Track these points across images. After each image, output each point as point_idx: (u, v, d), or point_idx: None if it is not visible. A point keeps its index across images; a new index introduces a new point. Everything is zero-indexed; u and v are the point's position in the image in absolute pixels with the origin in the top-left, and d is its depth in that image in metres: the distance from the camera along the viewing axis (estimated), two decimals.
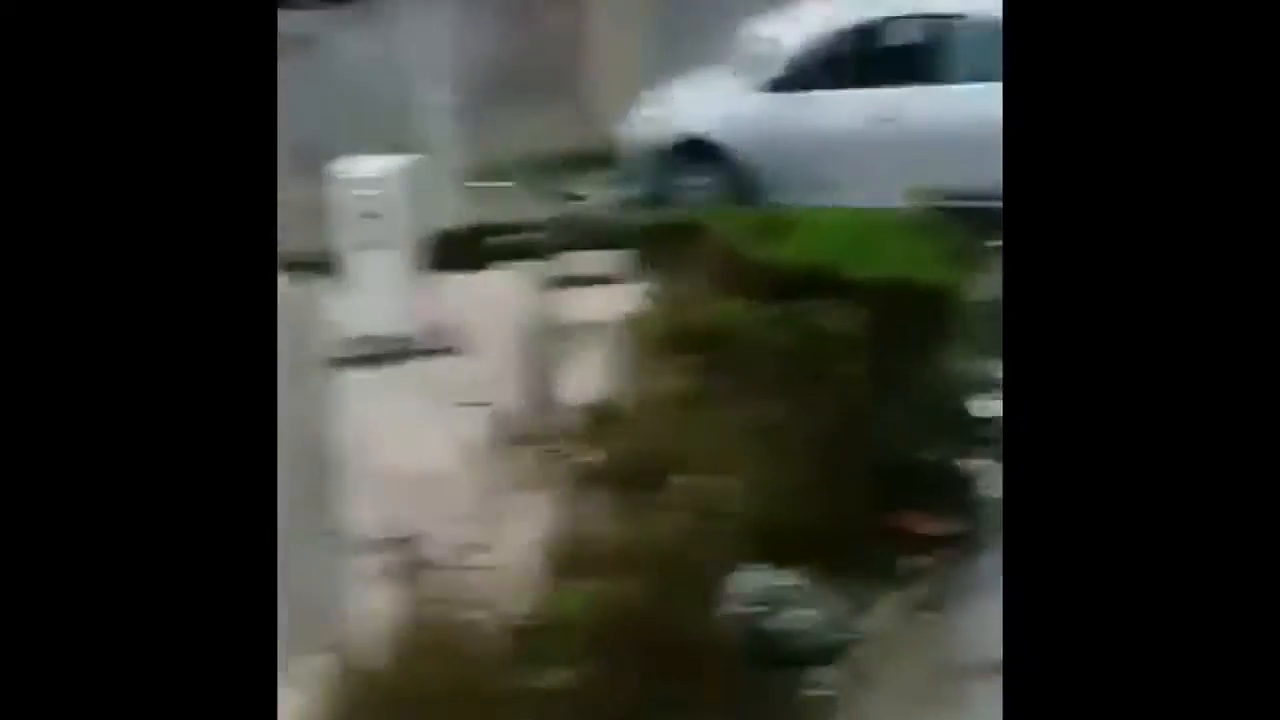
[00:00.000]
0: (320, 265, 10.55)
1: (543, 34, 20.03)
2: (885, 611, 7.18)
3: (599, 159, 13.10)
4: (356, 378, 9.43)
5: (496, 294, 10.61)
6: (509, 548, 6.56)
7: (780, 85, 12.21)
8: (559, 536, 6.71)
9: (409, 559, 6.34)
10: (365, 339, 9.81)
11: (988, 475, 7.99)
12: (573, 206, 9.65)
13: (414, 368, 9.13)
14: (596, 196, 11.58)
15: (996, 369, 8.43)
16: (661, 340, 7.81)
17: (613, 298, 9.03)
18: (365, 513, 6.66)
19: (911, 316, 8.14)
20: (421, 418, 8.07)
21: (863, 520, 7.42)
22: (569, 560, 6.43)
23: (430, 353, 9.72)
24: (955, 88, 11.72)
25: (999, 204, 11.28)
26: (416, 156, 10.43)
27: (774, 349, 7.69)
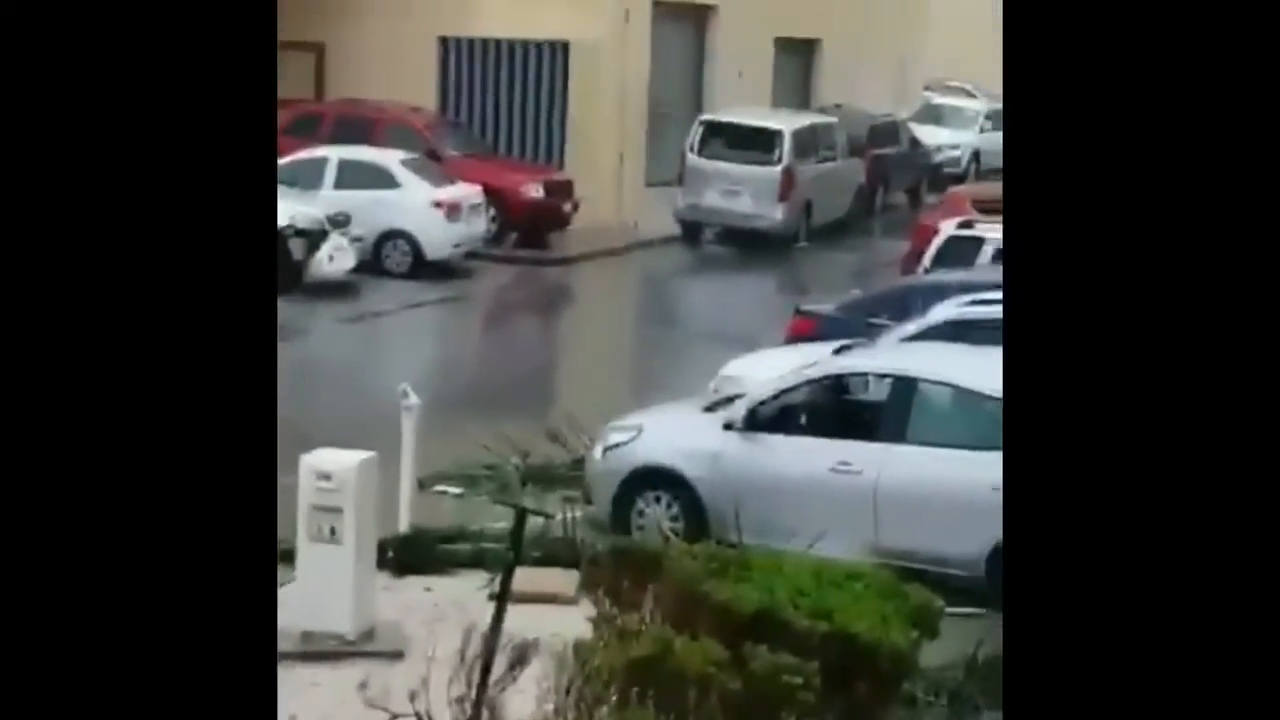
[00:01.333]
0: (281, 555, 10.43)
1: (520, 350, 20.36)
2: None
3: (561, 477, 13.16)
4: (294, 674, 9.27)
5: (445, 602, 10.52)
6: None
7: (746, 425, 12.33)
8: None
9: None
10: (307, 635, 9.67)
11: None
12: (530, 522, 9.62)
13: (354, 669, 8.97)
14: (555, 514, 11.56)
15: None
16: (607, 669, 7.70)
17: (562, 619, 8.96)
18: None
19: (861, 674, 8.08)
20: None
21: None
22: None
23: (372, 655, 9.58)
24: (915, 449, 11.83)
25: (955, 571, 11.26)
26: (375, 454, 10.41)
27: (720, 691, 7.60)
